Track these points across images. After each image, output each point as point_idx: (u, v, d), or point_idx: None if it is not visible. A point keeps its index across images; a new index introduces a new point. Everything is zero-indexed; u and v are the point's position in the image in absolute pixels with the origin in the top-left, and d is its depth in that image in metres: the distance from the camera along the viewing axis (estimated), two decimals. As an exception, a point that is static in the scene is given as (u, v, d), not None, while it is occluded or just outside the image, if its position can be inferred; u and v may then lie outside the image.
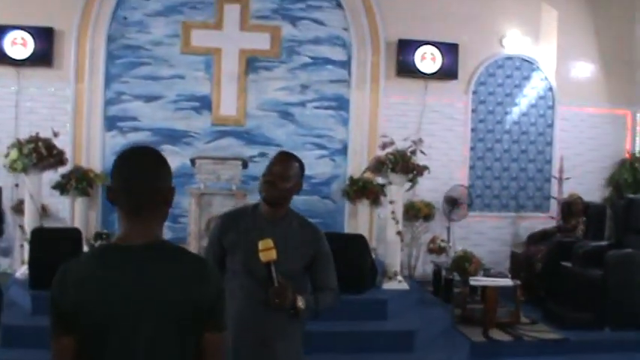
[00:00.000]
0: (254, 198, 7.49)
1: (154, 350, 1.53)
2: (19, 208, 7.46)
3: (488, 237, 8.27)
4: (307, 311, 2.46)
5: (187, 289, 1.55)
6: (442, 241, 7.86)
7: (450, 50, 7.96)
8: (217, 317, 1.61)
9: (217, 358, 1.62)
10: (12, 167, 6.23)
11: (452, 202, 7.87)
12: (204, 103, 7.88)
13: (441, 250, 7.89)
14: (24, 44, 7.57)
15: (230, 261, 2.55)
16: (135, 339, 1.53)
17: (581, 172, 8.36)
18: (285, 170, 2.55)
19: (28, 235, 6.05)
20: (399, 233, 6.45)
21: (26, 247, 6.14)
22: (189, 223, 6.26)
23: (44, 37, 7.60)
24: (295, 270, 2.53)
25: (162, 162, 1.67)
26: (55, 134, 6.28)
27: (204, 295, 1.57)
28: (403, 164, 6.27)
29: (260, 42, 7.86)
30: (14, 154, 6.15)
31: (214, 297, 1.60)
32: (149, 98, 7.87)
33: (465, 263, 6.59)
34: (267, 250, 2.34)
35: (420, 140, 6.61)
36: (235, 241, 2.53)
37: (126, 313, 1.52)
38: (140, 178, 1.61)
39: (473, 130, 8.24)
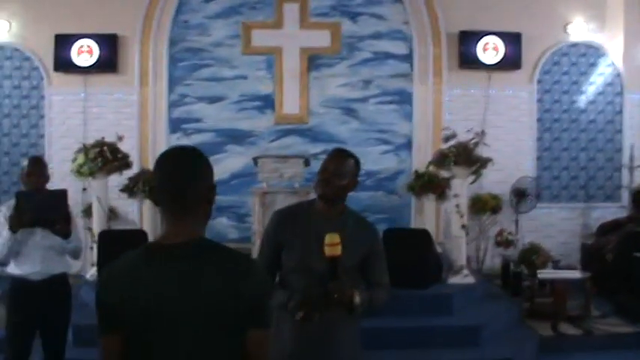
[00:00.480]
0: (315, 195, 7.57)
1: (199, 347, 1.55)
2: (88, 212, 7.67)
3: (557, 229, 8.16)
4: (363, 307, 2.50)
5: (231, 286, 1.56)
6: (509, 233, 7.79)
7: (512, 40, 7.90)
8: (262, 314, 1.62)
9: (262, 355, 1.63)
10: (79, 172, 6.46)
11: (519, 194, 7.79)
12: (267, 103, 8.00)
13: (508, 243, 7.82)
14: (89, 52, 7.84)
15: (286, 258, 2.58)
16: (181, 335, 1.55)
17: (652, 159, 8.12)
18: (339, 167, 2.59)
19: (96, 238, 6.28)
20: (463, 227, 6.45)
21: (95, 249, 6.35)
22: (254, 222, 6.35)
23: (109, 43, 7.86)
24: (351, 267, 2.56)
25: (202, 160, 1.69)
26: (120, 138, 6.49)
27: (248, 292, 1.57)
28: (466, 157, 6.25)
29: (320, 39, 7.94)
30: (81, 159, 6.39)
31: (259, 293, 1.60)
32: (212, 99, 8.04)
33: (532, 256, 6.57)
34: (333, 246, 2.37)
35: (483, 132, 6.58)
36: (291, 238, 2.56)
37: (171, 311, 1.54)
38: (179, 176, 1.63)
39: (539, 120, 8.14)
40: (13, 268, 3.65)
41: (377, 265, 2.68)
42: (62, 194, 3.66)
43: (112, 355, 1.60)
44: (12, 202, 3.64)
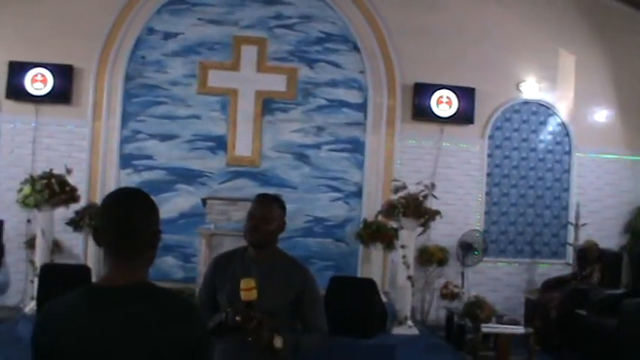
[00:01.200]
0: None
1: None
2: (31, 244, 7.62)
3: (502, 283, 8.38)
4: (285, 350, 2.53)
5: (173, 330, 1.57)
6: (455, 286, 7.96)
7: (466, 94, 8.17)
8: (202, 359, 1.63)
9: None
10: (24, 203, 6.53)
11: (466, 248, 7.95)
12: (219, 144, 8.13)
13: (453, 296, 7.99)
14: (44, 81, 7.89)
15: (219, 300, 2.70)
16: None
17: (598, 218, 8.48)
18: (266, 213, 2.70)
19: (38, 271, 6.27)
20: (409, 278, 6.63)
21: (36, 282, 6.35)
22: (199, 263, 6.43)
23: (64, 74, 7.96)
24: (278, 307, 2.63)
25: (149, 205, 1.72)
26: (68, 171, 6.64)
27: (190, 336, 1.58)
28: (414, 209, 6.42)
29: (276, 83, 8.12)
30: (27, 189, 6.43)
31: (200, 338, 1.61)
32: (165, 137, 8.15)
33: (476, 309, 6.69)
34: (248, 290, 2.45)
35: (433, 184, 6.78)
36: (222, 282, 2.69)
37: (110, 355, 1.53)
38: (126, 218, 1.65)
39: (489, 174, 8.40)
40: None
41: (310, 308, 2.74)
42: None
43: None
44: None
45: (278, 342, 2.50)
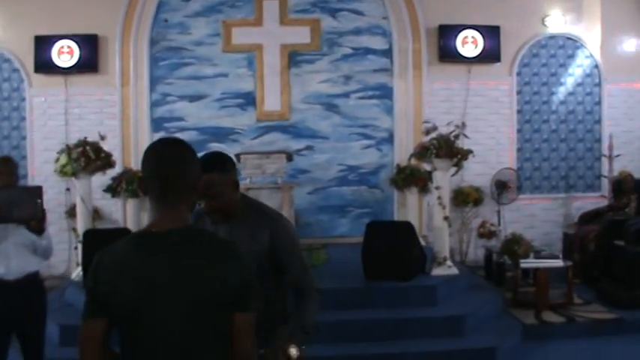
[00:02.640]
0: (301, 190, 7.84)
1: (188, 331, 1.67)
2: (71, 213, 7.92)
3: (539, 219, 8.59)
4: (301, 341, 2.45)
5: (218, 270, 1.69)
6: (492, 225, 8.12)
7: (491, 33, 8.34)
8: (246, 298, 1.74)
9: (247, 337, 1.74)
10: (62, 172, 6.70)
11: (501, 186, 8.14)
12: (248, 100, 8.40)
13: (491, 235, 8.20)
14: (70, 52, 8.17)
15: None
16: (169, 321, 1.66)
17: (631, 149, 8.67)
18: (214, 187, 2.43)
19: (81, 237, 6.48)
20: (446, 218, 6.71)
21: (80, 249, 6.59)
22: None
23: (89, 44, 8.28)
24: (258, 267, 2.40)
25: (189, 151, 1.82)
26: (102, 137, 6.80)
27: (234, 275, 1.70)
28: (447, 149, 6.50)
29: (300, 36, 8.35)
30: (63, 159, 6.63)
31: (244, 277, 1.73)
32: (194, 98, 8.45)
33: (514, 246, 6.76)
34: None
35: (464, 124, 6.84)
36: None
37: (160, 296, 1.66)
38: (168, 165, 1.76)
39: (519, 111, 8.57)
40: None
41: (287, 263, 2.56)
42: (37, 190, 3.71)
43: (91, 339, 1.72)
44: None
45: (293, 352, 2.39)
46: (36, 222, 3.60)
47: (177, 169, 1.76)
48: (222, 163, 2.48)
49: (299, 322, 2.52)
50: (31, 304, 3.75)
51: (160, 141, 1.86)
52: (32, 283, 3.76)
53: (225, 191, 2.47)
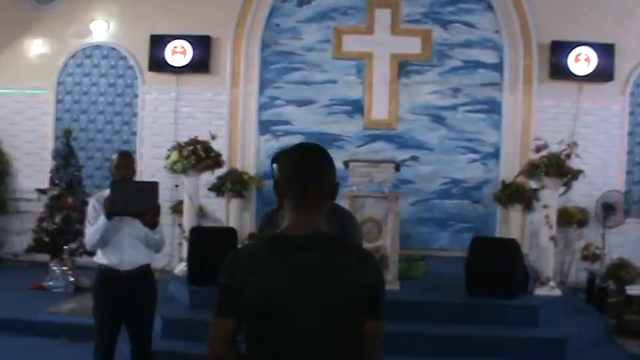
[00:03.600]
0: (403, 201, 7.92)
1: (317, 336, 1.70)
2: (177, 209, 8.25)
3: (645, 245, 8.31)
4: None
5: (351, 277, 1.72)
6: (597, 247, 7.98)
7: (605, 50, 8.32)
8: (379, 304, 1.77)
9: (377, 346, 1.77)
10: (172, 168, 7.01)
11: (607, 208, 8.00)
12: (356, 107, 8.59)
13: (595, 258, 8.09)
14: (183, 52, 8.51)
15: None
16: (299, 324, 1.69)
17: None
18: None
19: (187, 234, 6.72)
20: (552, 238, 6.71)
21: (185, 245, 6.88)
22: (342, 226, 6.62)
23: (202, 45, 8.64)
24: None
25: (328, 158, 1.87)
26: (213, 137, 7.05)
27: (366, 282, 1.73)
28: (557, 168, 6.48)
29: (411, 46, 8.52)
30: (174, 156, 6.91)
31: (376, 284, 1.76)
32: (302, 103, 8.75)
33: (621, 271, 6.66)
34: None
35: (575, 143, 6.78)
36: None
37: (291, 299, 1.70)
38: (307, 170, 1.79)
39: (630, 133, 8.52)
40: (100, 258, 3.87)
41: None
42: (154, 185, 3.84)
43: (221, 337, 1.77)
44: (103, 193, 3.92)
45: None
46: (151, 216, 3.72)
47: (316, 175, 1.80)
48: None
49: None
50: (142, 296, 3.91)
51: (301, 145, 1.91)
52: (144, 275, 3.91)
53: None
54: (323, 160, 1.85)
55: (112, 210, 3.63)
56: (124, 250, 3.80)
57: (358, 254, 1.82)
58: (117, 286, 3.80)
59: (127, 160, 3.95)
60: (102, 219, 3.68)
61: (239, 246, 6.83)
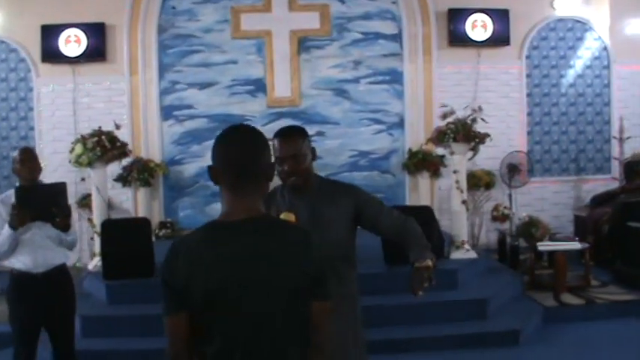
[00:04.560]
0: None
1: (264, 321, 1.69)
2: (83, 203, 8.01)
3: (550, 202, 8.81)
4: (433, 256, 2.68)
5: (293, 259, 1.71)
6: (506, 208, 8.21)
7: (500, 16, 8.52)
8: (323, 286, 1.76)
9: (325, 326, 1.77)
10: (77, 162, 6.75)
11: (512, 169, 8.22)
12: (258, 86, 8.54)
13: (504, 218, 8.29)
14: (78, 41, 8.31)
15: None
16: (245, 311, 1.68)
17: (641, 131, 8.66)
18: (297, 151, 2.61)
19: (98, 228, 6.54)
20: (464, 202, 6.87)
21: (97, 239, 6.70)
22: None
23: (96, 32, 8.43)
24: (338, 235, 2.65)
25: (262, 140, 1.82)
26: (118, 127, 6.92)
27: (309, 264, 1.72)
28: (464, 133, 6.56)
29: (310, 21, 8.51)
30: (79, 148, 6.68)
31: (320, 266, 1.75)
32: (203, 85, 8.62)
33: (531, 229, 6.82)
34: None
35: (480, 108, 6.91)
36: None
37: (235, 286, 1.67)
38: (242, 154, 1.76)
39: (528, 95, 8.75)
40: (12, 262, 3.70)
41: (377, 212, 2.74)
42: (62, 187, 3.70)
43: (178, 335, 1.71)
44: (8, 194, 3.73)
45: (430, 263, 2.63)
46: (62, 219, 3.62)
47: (250, 158, 1.77)
48: (302, 129, 2.71)
49: (419, 243, 2.72)
50: (60, 298, 3.78)
51: (231, 130, 1.85)
52: (60, 275, 3.79)
53: (307, 155, 2.66)
54: (256, 141, 1.80)
55: (20, 223, 3.47)
56: (36, 251, 3.65)
57: (300, 236, 1.78)
58: (32, 290, 3.65)
59: (29, 154, 3.77)
60: (7, 230, 3.51)
61: (153, 239, 6.71)
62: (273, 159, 1.95)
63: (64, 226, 3.64)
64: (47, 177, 8.41)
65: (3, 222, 3.57)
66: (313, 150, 2.71)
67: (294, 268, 1.69)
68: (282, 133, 2.67)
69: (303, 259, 1.71)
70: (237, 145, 1.78)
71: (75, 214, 8.26)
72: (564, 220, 8.61)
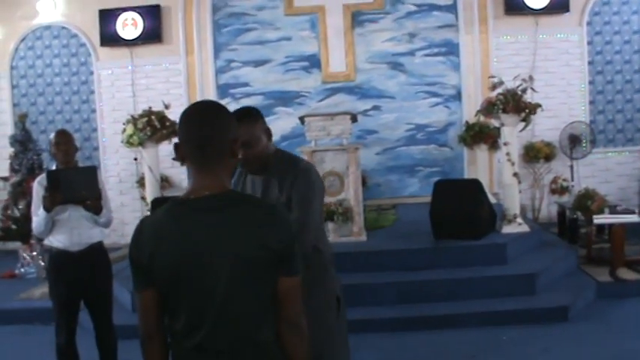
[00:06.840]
0: (369, 151, 7.94)
1: (230, 296, 1.67)
2: (142, 182, 8.20)
3: (614, 173, 8.58)
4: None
5: (259, 234, 1.68)
6: (564, 180, 8.08)
7: (559, -19, 8.12)
8: (290, 262, 1.74)
9: (293, 302, 1.75)
10: (129, 142, 6.88)
11: (573, 140, 8.05)
12: (313, 62, 8.58)
13: (563, 190, 8.19)
14: (134, 24, 8.49)
15: None
16: (211, 286, 1.67)
17: None
18: (250, 135, 2.54)
19: (149, 205, 6.56)
20: (515, 175, 6.63)
21: None
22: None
23: (152, 15, 8.61)
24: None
25: (224, 113, 1.79)
26: (167, 106, 6.91)
27: (275, 239, 1.69)
28: (514, 104, 6.41)
29: (363, -5, 8.31)
30: (130, 129, 6.82)
31: (285, 242, 1.72)
32: (258, 63, 8.71)
33: (587, 202, 6.60)
34: None
35: (531, 77, 6.69)
36: None
37: (199, 263, 1.66)
38: (203, 128, 1.73)
39: (590, 63, 8.54)
40: (51, 241, 3.83)
41: (295, 201, 2.63)
42: (92, 171, 3.77)
43: (148, 309, 1.74)
44: (43, 177, 3.82)
45: None
46: (93, 202, 3.69)
47: (214, 133, 1.73)
48: (254, 111, 2.65)
49: None
50: (96, 275, 3.88)
51: (194, 105, 1.83)
52: (96, 253, 3.90)
53: (260, 138, 2.59)
54: (217, 116, 1.77)
55: (51, 206, 3.60)
56: (72, 230, 3.77)
57: (266, 211, 1.75)
58: (70, 267, 3.78)
59: (64, 137, 3.88)
60: (42, 211, 3.65)
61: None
62: None
63: (95, 208, 3.71)
64: (109, 157, 8.78)
65: (40, 202, 3.70)
66: (268, 130, 2.66)
67: (257, 243, 1.67)
68: (236, 116, 2.60)
69: (268, 234, 1.69)
70: (197, 119, 1.75)
71: (135, 192, 8.59)
72: (630, 192, 8.36)
